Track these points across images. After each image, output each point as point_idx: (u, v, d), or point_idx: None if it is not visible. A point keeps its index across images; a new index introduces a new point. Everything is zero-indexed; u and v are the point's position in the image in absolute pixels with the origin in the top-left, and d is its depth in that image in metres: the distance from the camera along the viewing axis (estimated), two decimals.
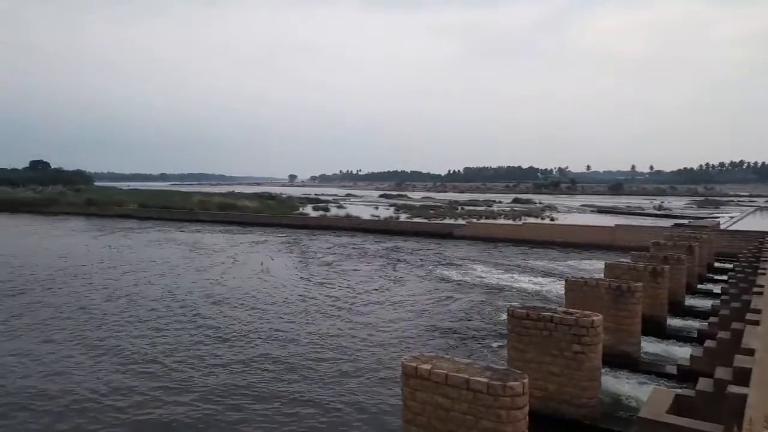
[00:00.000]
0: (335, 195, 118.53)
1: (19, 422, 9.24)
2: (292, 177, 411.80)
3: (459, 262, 27.79)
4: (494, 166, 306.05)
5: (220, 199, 64.16)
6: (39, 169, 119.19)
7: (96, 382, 10.90)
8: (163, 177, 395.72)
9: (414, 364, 6.44)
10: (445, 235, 40.14)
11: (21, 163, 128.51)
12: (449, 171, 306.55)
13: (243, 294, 19.54)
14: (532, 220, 48.91)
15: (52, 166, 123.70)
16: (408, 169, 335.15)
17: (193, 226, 47.38)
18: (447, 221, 47.53)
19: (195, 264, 26.48)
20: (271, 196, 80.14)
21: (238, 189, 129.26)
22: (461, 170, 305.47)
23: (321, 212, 58.91)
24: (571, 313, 9.15)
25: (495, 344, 13.58)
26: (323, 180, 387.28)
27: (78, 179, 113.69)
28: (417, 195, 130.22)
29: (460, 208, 66.93)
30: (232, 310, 17.14)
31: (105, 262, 26.80)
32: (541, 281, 22.56)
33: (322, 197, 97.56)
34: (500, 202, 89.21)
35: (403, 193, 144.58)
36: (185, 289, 20.28)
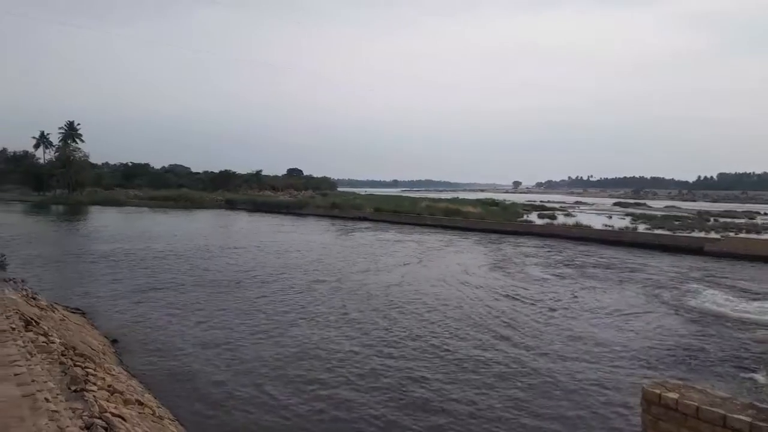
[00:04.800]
0: (562, 202, 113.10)
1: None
2: (516, 183, 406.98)
3: (705, 283, 24.11)
4: (758, 171, 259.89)
5: (445, 205, 66.41)
6: (294, 176, 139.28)
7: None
8: (394, 183, 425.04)
9: (657, 391, 5.69)
10: (693, 250, 35.13)
11: (280, 170, 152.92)
12: (699, 177, 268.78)
13: (458, 299, 19.88)
14: None
15: (305, 173, 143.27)
16: (647, 175, 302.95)
17: (419, 229, 50.05)
18: (695, 234, 41.72)
19: (394, 261, 27.83)
20: (494, 203, 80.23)
21: (462, 195, 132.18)
22: (714, 176, 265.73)
23: (547, 220, 56.93)
24: None
25: (749, 380, 11.44)
26: (549, 186, 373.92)
27: (325, 185, 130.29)
28: (658, 204, 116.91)
29: (712, 219, 58.33)
30: (447, 308, 17.55)
31: (349, 253, 29.94)
32: None
33: (547, 204, 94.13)
34: (766, 214, 75.09)
35: (641, 201, 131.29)
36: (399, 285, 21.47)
